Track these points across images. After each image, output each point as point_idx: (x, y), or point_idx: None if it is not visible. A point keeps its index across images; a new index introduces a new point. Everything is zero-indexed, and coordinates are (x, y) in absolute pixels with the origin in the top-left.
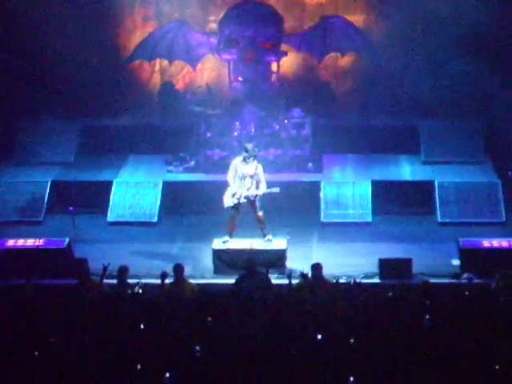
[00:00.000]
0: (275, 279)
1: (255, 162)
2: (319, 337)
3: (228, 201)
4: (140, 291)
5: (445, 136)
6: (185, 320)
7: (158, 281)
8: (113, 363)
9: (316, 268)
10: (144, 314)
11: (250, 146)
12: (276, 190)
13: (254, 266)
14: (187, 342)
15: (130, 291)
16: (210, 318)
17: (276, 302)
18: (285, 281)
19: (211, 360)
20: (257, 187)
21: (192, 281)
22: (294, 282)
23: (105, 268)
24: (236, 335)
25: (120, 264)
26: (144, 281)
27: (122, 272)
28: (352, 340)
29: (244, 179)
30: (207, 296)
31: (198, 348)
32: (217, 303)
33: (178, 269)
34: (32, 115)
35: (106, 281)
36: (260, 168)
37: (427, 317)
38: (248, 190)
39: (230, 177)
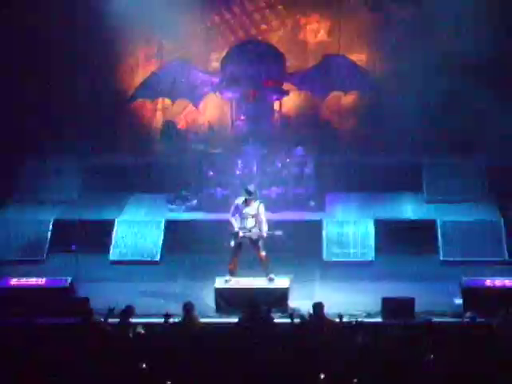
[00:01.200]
0: (278, 318)
1: (257, 201)
2: (322, 376)
3: (230, 239)
4: (142, 331)
5: (447, 174)
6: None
7: (161, 320)
8: None
9: (318, 307)
10: (147, 354)
11: (251, 187)
12: (279, 233)
13: (257, 306)
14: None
15: (132, 331)
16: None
17: (278, 341)
18: (287, 320)
19: None
20: (259, 227)
21: None
22: (296, 321)
23: (110, 310)
24: (238, 374)
25: (122, 303)
26: (146, 320)
27: (128, 312)
28: (355, 380)
29: (246, 219)
30: (209, 335)
31: None
32: (219, 342)
33: (189, 307)
34: (35, 154)
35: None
36: (262, 207)
37: (431, 356)
38: (250, 230)
39: (231, 218)
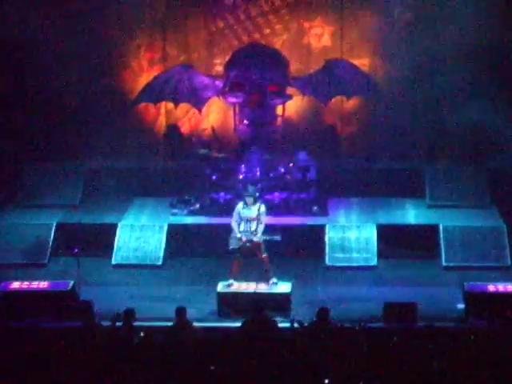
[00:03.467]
0: (280, 323)
1: (257, 204)
2: (326, 381)
3: (233, 243)
4: (142, 334)
5: (450, 179)
6: (188, 364)
7: (162, 323)
8: None
9: (323, 312)
10: (148, 358)
11: (250, 187)
12: (277, 238)
13: (261, 310)
14: None
15: (137, 335)
16: (214, 362)
17: (282, 346)
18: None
19: None
20: (259, 229)
21: (197, 324)
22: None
23: (118, 315)
24: (237, 378)
25: (124, 306)
26: (148, 324)
27: (129, 316)
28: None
29: (249, 223)
30: (211, 339)
31: None
32: (221, 346)
33: (180, 312)
34: (37, 158)
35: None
36: (262, 208)
37: (434, 362)
38: (252, 234)
39: (234, 222)
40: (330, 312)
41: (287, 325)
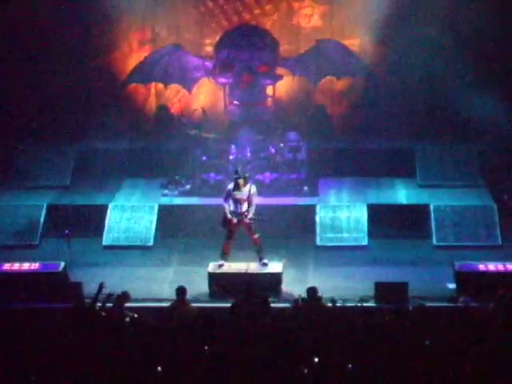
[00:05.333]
0: (272, 303)
1: (248, 185)
2: (316, 359)
3: (224, 224)
4: (135, 315)
5: (440, 159)
6: (185, 343)
7: (155, 304)
8: None
9: (312, 291)
10: (140, 339)
11: (239, 169)
12: (263, 217)
13: (253, 290)
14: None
15: (128, 316)
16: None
17: (274, 325)
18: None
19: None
20: (250, 210)
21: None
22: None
23: (109, 295)
24: (232, 357)
25: (115, 287)
26: (139, 304)
27: (123, 298)
28: (350, 365)
29: (239, 203)
30: (204, 319)
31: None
32: (214, 327)
33: (181, 291)
34: (28, 139)
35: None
36: (253, 189)
37: (425, 341)
38: (243, 214)
39: (225, 203)
40: (318, 291)
41: (279, 305)
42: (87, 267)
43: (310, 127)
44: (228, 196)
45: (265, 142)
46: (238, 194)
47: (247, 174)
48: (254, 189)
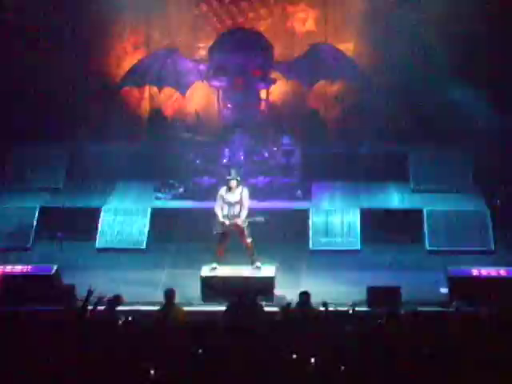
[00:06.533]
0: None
1: (240, 187)
2: (312, 360)
3: (217, 228)
4: (130, 318)
5: (433, 164)
6: (177, 346)
7: (147, 307)
8: None
9: (304, 296)
10: (131, 341)
11: (232, 171)
12: (261, 219)
13: (247, 294)
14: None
15: (121, 319)
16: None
17: (267, 329)
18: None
19: None
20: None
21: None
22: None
23: (100, 298)
24: (227, 362)
25: (108, 291)
26: (132, 308)
27: (116, 301)
28: (342, 367)
29: (232, 206)
30: (196, 323)
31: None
32: (206, 330)
33: (170, 294)
34: (20, 141)
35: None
36: (245, 192)
37: (419, 346)
38: (235, 218)
39: (217, 207)
40: (310, 296)
41: (272, 309)
42: (80, 270)
43: (303, 131)
44: (220, 200)
45: (258, 146)
46: (229, 197)
47: (238, 178)
48: (245, 191)
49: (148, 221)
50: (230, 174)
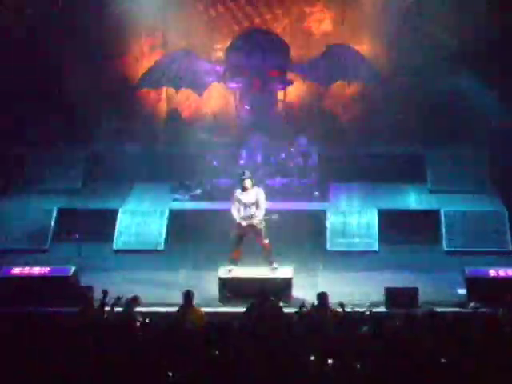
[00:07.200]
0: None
1: (255, 188)
2: (330, 361)
3: (234, 230)
4: (147, 320)
5: (451, 165)
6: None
7: (165, 309)
8: None
9: (322, 296)
10: (149, 344)
11: (246, 171)
12: (275, 216)
13: (266, 295)
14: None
15: (140, 320)
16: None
17: (286, 330)
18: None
19: None
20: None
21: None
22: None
23: (118, 299)
24: (241, 361)
25: (125, 292)
26: (150, 309)
27: (133, 302)
28: (358, 365)
29: (248, 207)
30: (213, 324)
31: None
32: (224, 332)
33: (188, 295)
34: (39, 143)
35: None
36: (261, 192)
37: (437, 350)
38: (252, 219)
39: (233, 209)
40: (328, 297)
41: (290, 309)
42: (98, 271)
43: (320, 132)
44: (235, 201)
45: (275, 147)
46: (245, 198)
47: (252, 178)
48: (261, 192)
49: (166, 222)
50: (243, 174)
